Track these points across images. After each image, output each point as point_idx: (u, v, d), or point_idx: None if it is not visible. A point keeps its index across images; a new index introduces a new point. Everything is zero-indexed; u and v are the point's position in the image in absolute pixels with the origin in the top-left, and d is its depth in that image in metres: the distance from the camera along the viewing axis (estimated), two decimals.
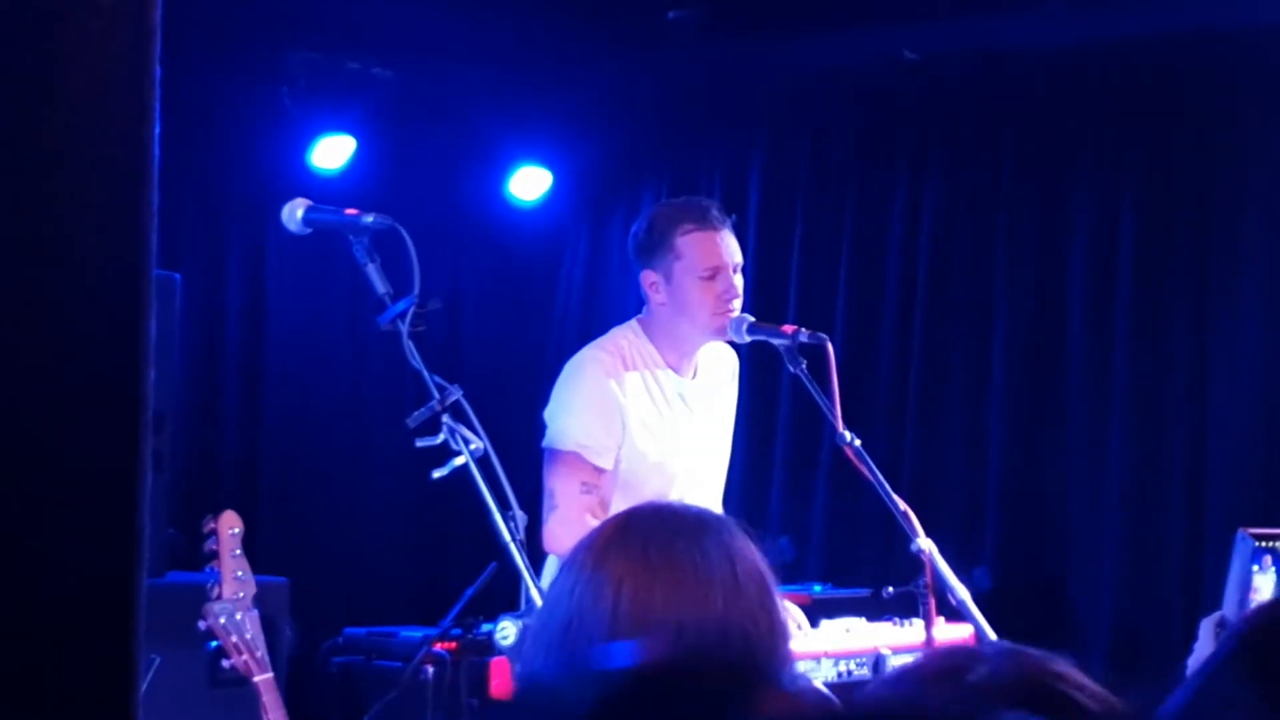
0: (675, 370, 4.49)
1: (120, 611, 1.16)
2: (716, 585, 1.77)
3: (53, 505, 1.13)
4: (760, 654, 1.76)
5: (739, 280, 4.43)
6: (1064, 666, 1.35)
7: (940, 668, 1.31)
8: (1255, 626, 1.08)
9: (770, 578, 1.83)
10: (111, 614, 1.16)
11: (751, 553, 1.83)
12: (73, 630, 1.13)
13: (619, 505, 4.30)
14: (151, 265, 1.18)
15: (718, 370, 4.64)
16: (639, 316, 4.54)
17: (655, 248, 4.42)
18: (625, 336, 4.50)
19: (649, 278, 4.44)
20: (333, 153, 7.11)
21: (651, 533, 1.82)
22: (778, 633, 1.80)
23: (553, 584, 1.84)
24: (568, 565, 1.84)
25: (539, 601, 3.32)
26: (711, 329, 4.44)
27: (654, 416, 4.43)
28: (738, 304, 4.43)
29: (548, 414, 4.42)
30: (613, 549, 1.80)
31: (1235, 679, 1.04)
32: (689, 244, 4.39)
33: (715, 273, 4.38)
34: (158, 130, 1.18)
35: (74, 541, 1.14)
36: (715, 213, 4.46)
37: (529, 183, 7.71)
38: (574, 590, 1.79)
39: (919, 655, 1.36)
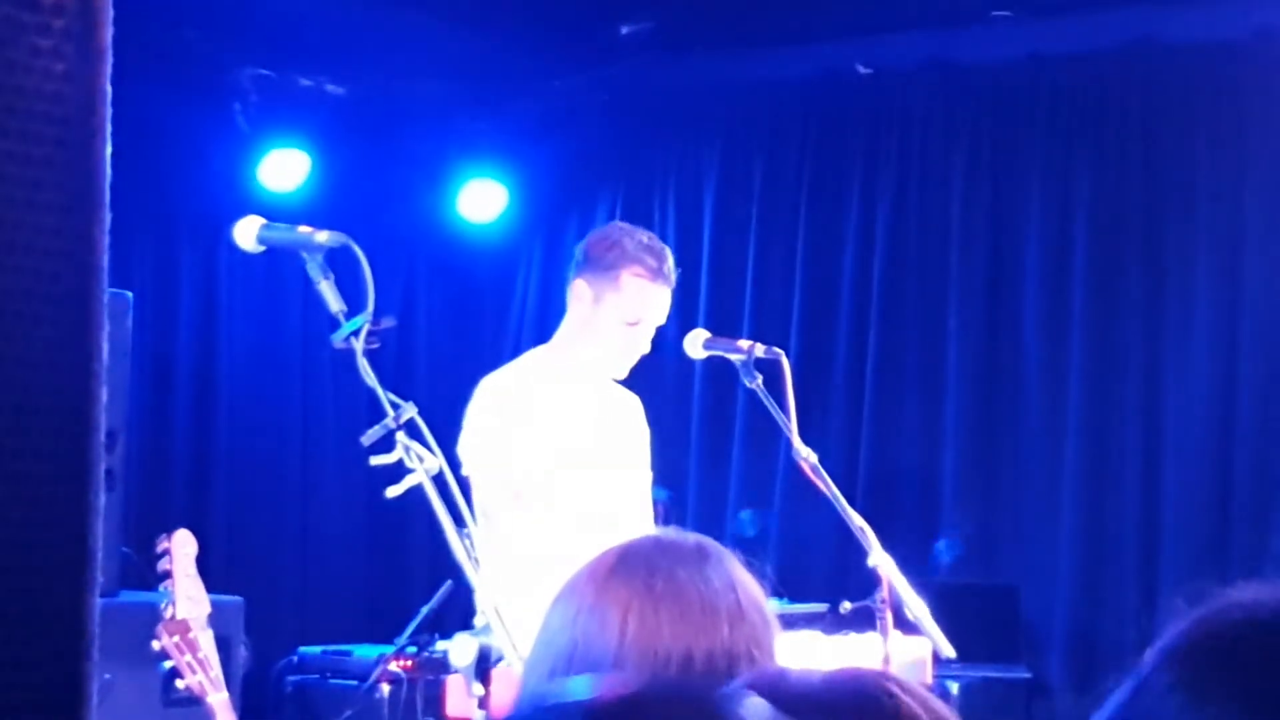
0: (582, 383, 4.50)
1: (73, 633, 1.15)
2: (722, 612, 1.77)
3: (2, 526, 1.12)
4: None
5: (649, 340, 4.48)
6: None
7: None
8: (1180, 641, 1.08)
9: (768, 605, 1.84)
10: (64, 636, 1.15)
11: (750, 579, 1.84)
12: (24, 652, 1.12)
13: (545, 517, 4.30)
14: (104, 285, 1.17)
15: (625, 402, 4.64)
16: (545, 343, 4.58)
17: (602, 267, 4.41)
18: (531, 357, 4.56)
19: (580, 289, 4.45)
20: (285, 169, 7.09)
21: (653, 561, 1.81)
22: (776, 659, 1.81)
23: (550, 611, 1.83)
24: (567, 593, 1.83)
25: (493, 620, 3.31)
26: (610, 369, 4.49)
27: (564, 425, 4.42)
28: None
29: (460, 444, 4.38)
30: (615, 577, 1.80)
31: (1161, 692, 1.04)
32: (635, 287, 4.39)
33: (639, 323, 4.41)
34: (109, 149, 1.17)
35: (25, 563, 1.13)
36: (670, 268, 4.45)
37: (482, 198, 7.71)
38: (576, 618, 1.78)
39: None
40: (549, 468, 4.34)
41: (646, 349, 4.47)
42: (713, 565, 1.82)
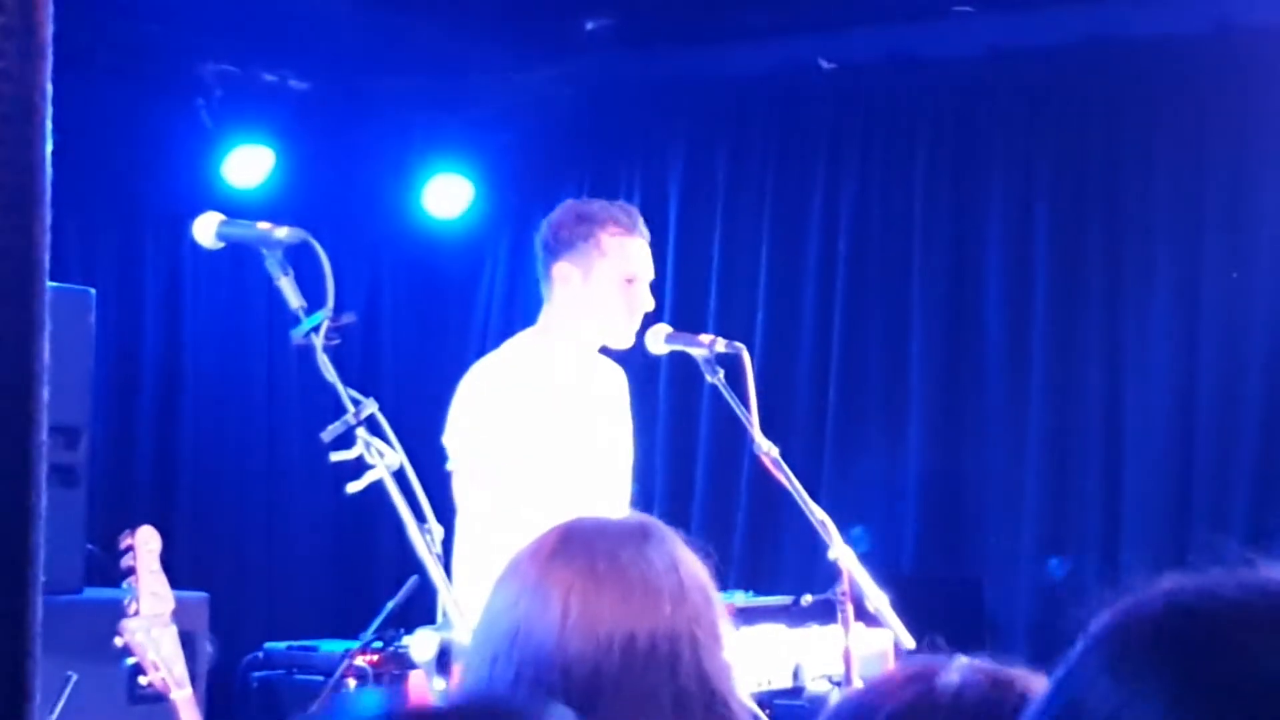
0: (572, 370, 4.47)
1: (14, 635, 1.14)
2: (664, 593, 1.78)
3: None
4: (707, 660, 1.78)
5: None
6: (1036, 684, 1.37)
7: (911, 674, 1.33)
8: (1107, 627, 1.11)
9: (712, 585, 1.85)
10: (5, 638, 1.14)
11: (693, 559, 1.85)
12: None
13: (531, 508, 4.29)
14: (45, 284, 1.17)
15: (611, 380, 4.62)
16: (531, 327, 4.52)
17: (578, 240, 4.36)
18: (519, 343, 4.49)
19: (563, 270, 4.38)
20: (249, 165, 7.07)
21: (596, 542, 1.82)
22: (721, 640, 1.82)
23: (493, 594, 1.84)
24: (509, 575, 1.83)
25: (453, 615, 3.31)
26: (620, 334, 4.41)
27: (552, 416, 4.39)
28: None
29: (446, 436, 4.36)
30: (557, 559, 1.81)
31: (1089, 677, 1.07)
32: (617, 245, 4.35)
33: (635, 280, 4.37)
34: (49, 148, 1.17)
35: None
36: (641, 223, 4.44)
37: (447, 194, 7.69)
38: (518, 601, 1.79)
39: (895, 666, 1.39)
40: (530, 458, 4.32)
41: (651, 304, 4.41)
42: (654, 545, 1.83)
